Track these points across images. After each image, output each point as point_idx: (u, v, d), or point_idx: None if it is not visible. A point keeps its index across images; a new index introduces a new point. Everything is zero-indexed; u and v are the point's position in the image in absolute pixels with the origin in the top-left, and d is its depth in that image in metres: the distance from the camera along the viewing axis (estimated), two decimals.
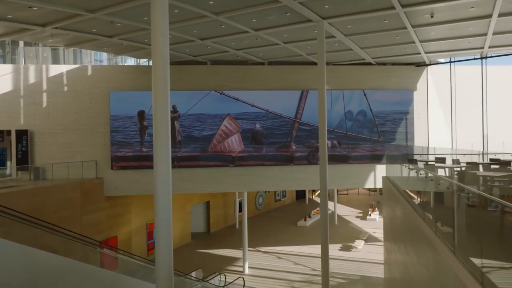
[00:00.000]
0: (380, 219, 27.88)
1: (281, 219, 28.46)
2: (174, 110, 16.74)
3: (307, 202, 35.84)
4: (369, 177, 17.42)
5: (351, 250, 20.25)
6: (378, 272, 16.87)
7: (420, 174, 7.36)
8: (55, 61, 17.46)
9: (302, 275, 16.70)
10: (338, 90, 16.90)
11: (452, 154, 11.13)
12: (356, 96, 17.25)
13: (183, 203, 22.12)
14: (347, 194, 40.61)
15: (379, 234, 23.52)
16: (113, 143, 16.23)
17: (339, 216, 28.29)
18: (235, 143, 16.95)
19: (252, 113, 16.98)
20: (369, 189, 42.97)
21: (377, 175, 17.40)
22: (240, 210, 26.29)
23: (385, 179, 11.86)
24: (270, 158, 17.02)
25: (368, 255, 19.39)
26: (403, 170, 9.56)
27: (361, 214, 30.01)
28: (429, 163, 10.75)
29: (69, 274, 8.97)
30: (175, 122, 16.83)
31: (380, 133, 17.29)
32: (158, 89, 6.18)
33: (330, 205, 36.44)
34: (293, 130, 17.12)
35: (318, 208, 30.08)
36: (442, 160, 10.08)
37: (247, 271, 17.31)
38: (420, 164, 9.68)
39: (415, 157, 11.57)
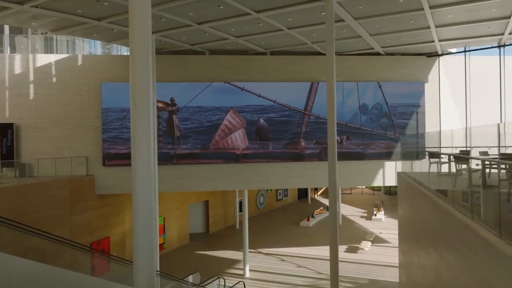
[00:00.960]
0: (386, 219, 26.87)
1: (283, 219, 27.44)
2: (172, 103, 15.72)
3: (309, 201, 34.83)
4: (378, 174, 16.39)
5: (357, 252, 19.23)
6: (388, 275, 15.84)
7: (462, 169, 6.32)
8: (48, 53, 16.45)
9: (307, 279, 15.68)
10: (345, 81, 15.85)
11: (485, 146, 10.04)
12: (370, 88, 16.20)
13: (180, 203, 21.09)
14: (350, 194, 39.60)
15: (386, 235, 22.51)
16: (105, 139, 15.20)
17: (343, 216, 27.26)
18: (239, 139, 15.92)
19: (257, 105, 15.92)
20: (373, 189, 41.96)
21: (387, 172, 16.38)
22: (241, 210, 25.28)
23: (402, 176, 10.78)
24: (277, 156, 15.95)
25: (376, 257, 18.35)
26: (432, 164, 8.47)
27: (365, 214, 28.98)
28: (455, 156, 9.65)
29: (49, 283, 7.97)
30: (173, 116, 15.81)
31: (389, 127, 16.26)
32: (136, 78, 5.01)
33: None
34: (303, 125, 16.06)
35: (321, 208, 29.07)
36: (467, 153, 9.04)
37: (247, 274, 16.28)
38: (442, 157, 8.64)
39: (439, 149, 10.41)
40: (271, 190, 16.76)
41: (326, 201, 34.73)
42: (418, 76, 16.44)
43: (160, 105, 15.61)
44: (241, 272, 16.56)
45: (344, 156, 15.89)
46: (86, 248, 11.49)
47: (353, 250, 19.57)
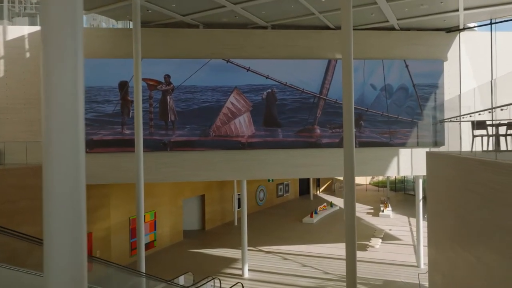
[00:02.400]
0: (395, 215, 25.23)
1: (285, 216, 25.77)
2: (166, 82, 14.01)
3: (311, 198, 33.16)
4: (391, 163, 14.71)
5: (367, 250, 17.55)
6: (404, 275, 14.18)
7: None
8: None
9: (313, 280, 14.00)
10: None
11: None
12: (395, 67, 14.48)
13: (173, 197, 19.40)
14: None
15: (396, 232, 20.87)
16: (87, 123, 13.47)
17: None
18: (243, 125, 14.17)
19: (264, 84, 14.17)
20: (378, 185, 40.32)
21: (402, 161, 14.70)
22: (239, 206, 23.61)
23: (438, 157, 8.78)
24: (289, 145, 14.16)
25: (388, 255, 16.68)
26: None
27: (372, 211, 27.32)
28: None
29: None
30: (168, 97, 14.09)
31: (406, 109, 14.57)
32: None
33: (336, 200, 33.76)
34: (318, 110, 14.31)
35: (324, 204, 27.43)
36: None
37: (246, 274, 14.59)
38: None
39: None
40: (272, 180, 15.00)
41: (329, 198, 33.08)
42: (436, 54, 14.76)
43: (151, 83, 13.91)
44: (239, 272, 14.88)
45: (365, 145, 14.27)
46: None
47: (362, 248, 17.88)
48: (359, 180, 40.29)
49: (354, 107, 13.82)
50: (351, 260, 8.33)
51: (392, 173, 14.80)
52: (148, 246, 17.46)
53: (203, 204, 22.22)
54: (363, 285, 13.47)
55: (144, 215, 17.52)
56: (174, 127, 14.08)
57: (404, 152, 14.71)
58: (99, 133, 13.64)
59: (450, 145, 14.73)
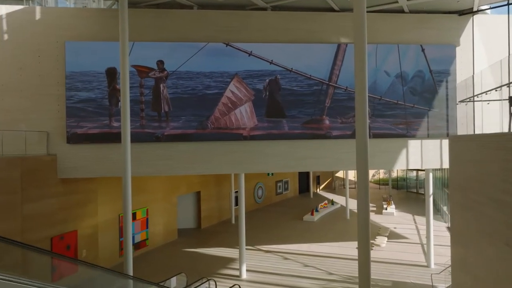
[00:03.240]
0: (398, 213, 24.27)
1: (284, 214, 24.74)
2: (159, 68, 12.95)
3: (311, 195, 32.18)
4: (400, 155, 13.69)
5: (372, 249, 16.53)
6: (414, 276, 13.17)
7: None
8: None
9: (316, 281, 12.97)
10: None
11: None
12: (411, 52, 13.46)
13: (167, 193, 18.32)
14: (355, 188, 36.87)
15: (401, 230, 19.89)
16: (70, 114, 12.39)
17: (350, 211, 24.57)
18: (245, 116, 13.11)
19: (267, 70, 13.12)
20: (379, 183, 39.37)
21: (411, 153, 13.69)
22: (237, 204, 22.55)
23: (465, 141, 7.53)
24: (296, 137, 13.15)
25: (395, 254, 15.67)
26: None
27: (375, 208, 26.33)
28: None
29: None
30: (161, 85, 13.01)
31: (423, 98, 13.54)
32: None
33: (336, 198, 32.74)
34: (327, 98, 13.28)
35: (325, 202, 26.46)
36: None
37: (244, 275, 13.54)
38: None
39: None
40: (272, 174, 13.94)
41: (329, 196, 32.07)
42: (448, 38, 13.76)
43: (142, 70, 12.85)
44: (236, 273, 13.83)
45: (379, 137, 13.32)
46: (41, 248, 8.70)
47: None
48: None
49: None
50: (364, 260, 7.28)
51: (400, 166, 13.79)
52: (139, 245, 16.40)
53: (199, 201, 21.16)
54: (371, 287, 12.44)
55: (136, 212, 16.52)
56: (168, 119, 13.00)
57: (413, 144, 13.70)
58: (83, 125, 12.54)
59: (467, 131, 13.75)
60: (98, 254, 14.14)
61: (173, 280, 11.50)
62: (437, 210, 24.29)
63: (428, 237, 14.38)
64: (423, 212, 24.80)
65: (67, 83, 12.35)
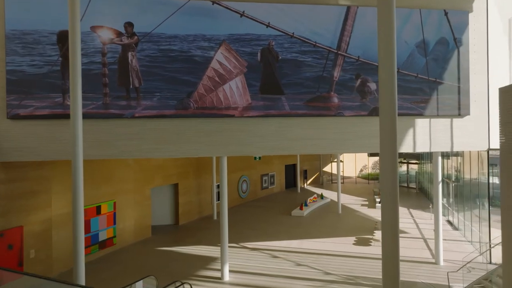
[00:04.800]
0: None
1: (271, 209, 22.81)
2: (127, 32, 10.70)
3: (299, 190, 30.38)
4: (406, 136, 11.92)
5: (370, 245, 14.78)
6: (422, 274, 11.42)
7: None
8: None
9: (311, 282, 11.05)
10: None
11: None
12: (433, 17, 11.65)
13: (139, 184, 16.09)
14: (343, 183, 35.35)
15: (399, 224, 18.13)
16: (10, 88, 10.03)
17: (342, 205, 22.86)
18: (236, 93, 10.99)
19: (262, 35, 11.05)
20: (368, 178, 38.00)
21: (418, 134, 11.94)
22: (219, 198, 20.50)
23: None
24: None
25: None
26: None
27: (366, 203, 24.72)
28: None
29: None
30: (130, 53, 10.77)
31: (446, 70, 11.77)
32: None
33: (325, 193, 31.07)
34: (335, 70, 11.33)
35: (315, 195, 24.70)
36: None
37: (227, 277, 11.50)
38: None
39: None
40: (260, 158, 11.91)
41: (317, 191, 30.36)
42: (460, 4, 12.08)
43: (108, 34, 10.61)
44: (218, 274, 11.78)
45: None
46: None
47: (364, 242, 15.11)
48: (348, 172, 37.84)
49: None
50: (391, 259, 5.41)
51: (406, 149, 12.00)
52: (105, 243, 14.12)
53: (176, 194, 18.97)
54: (374, 287, 10.63)
55: (100, 206, 14.22)
56: (139, 96, 10.76)
57: (421, 123, 11.96)
58: (28, 104, 10.17)
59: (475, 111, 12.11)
60: (52, 255, 11.83)
61: (139, 285, 9.37)
62: (431, 204, 22.84)
63: (436, 232, 12.68)
64: (418, 205, 23.38)
65: (8, 44, 10.02)
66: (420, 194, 28.42)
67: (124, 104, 10.69)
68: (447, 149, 12.16)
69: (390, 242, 5.48)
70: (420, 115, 11.82)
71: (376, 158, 38.07)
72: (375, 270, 11.85)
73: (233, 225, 18.15)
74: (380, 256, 12.56)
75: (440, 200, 12.78)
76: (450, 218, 18.75)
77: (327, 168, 37.85)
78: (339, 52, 11.13)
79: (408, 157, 32.12)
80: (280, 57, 11.06)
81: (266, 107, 11.03)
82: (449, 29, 11.60)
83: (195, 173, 20.05)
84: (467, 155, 15.39)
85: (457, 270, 10.17)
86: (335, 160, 37.16)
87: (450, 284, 10.05)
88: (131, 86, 10.79)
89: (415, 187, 31.32)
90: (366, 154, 37.50)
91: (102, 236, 13.99)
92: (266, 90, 11.04)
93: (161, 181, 17.59)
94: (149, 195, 16.71)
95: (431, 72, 11.66)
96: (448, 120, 12.08)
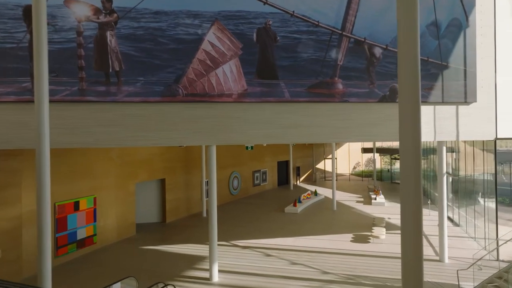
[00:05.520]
0: (389, 203, 21.96)
1: (263, 206, 21.88)
2: (105, 9, 9.60)
3: (291, 188, 29.51)
4: None
5: (369, 242, 13.94)
6: (426, 272, 10.60)
7: None
8: None
9: (308, 282, 10.14)
10: None
11: None
12: None
13: (122, 179, 15.01)
14: (337, 180, 34.54)
15: (396, 220, 17.45)
16: None
17: (337, 202, 22.05)
18: (230, 78, 9.96)
19: (259, 14, 10.03)
20: (362, 175, 37.36)
21: (422, 121, 11.09)
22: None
23: None
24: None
25: (397, 247, 13.08)
26: None
27: (362, 199, 23.96)
28: None
29: None
30: (108, 32, 9.68)
31: (449, 53, 10.93)
32: None
33: (319, 190, 30.31)
34: (340, 53, 10.32)
35: (309, 192, 23.87)
36: None
37: (216, 278, 10.52)
38: None
39: None
40: (252, 147, 10.95)
41: (310, 188, 29.54)
42: None
43: (83, 10, 9.53)
44: (206, 274, 10.80)
45: None
46: None
47: (362, 239, 14.28)
48: (341, 170, 37.13)
49: (389, 51, 10.11)
50: (414, 258, 4.52)
51: None
52: (84, 242, 13.02)
53: (163, 190, 17.91)
54: None
55: (79, 201, 13.11)
56: (120, 82, 9.71)
57: (425, 111, 11.12)
58: None
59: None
60: (22, 255, 10.71)
61: (117, 287, 8.35)
62: (429, 200, 22.18)
63: (441, 228, 11.90)
64: None
65: None
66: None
67: (102, 90, 9.63)
68: (452, 138, 11.36)
69: (413, 244, 4.57)
70: (424, 101, 11.00)
71: (370, 155, 37.43)
72: (376, 269, 11.00)
73: (223, 222, 17.16)
74: (381, 254, 11.73)
75: (445, 195, 12.00)
76: (450, 214, 18.04)
77: (320, 165, 37.08)
78: (343, 33, 10.21)
79: None
80: (278, 38, 10.11)
81: (263, 93, 10.06)
82: (462, 8, 10.77)
83: (184, 168, 19.01)
84: (463, 149, 14.67)
85: (468, 268, 9.36)
86: (329, 157, 36.43)
87: (461, 284, 9.23)
88: (110, 70, 9.74)
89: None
90: (359, 151, 36.83)
91: (81, 234, 12.89)
92: (263, 74, 10.07)
93: (146, 176, 16.52)
94: (133, 191, 15.63)
95: (443, 55, 10.82)
96: (454, 107, 11.28)
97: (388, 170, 35.33)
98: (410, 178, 4.49)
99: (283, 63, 10.12)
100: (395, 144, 34.48)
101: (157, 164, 17.12)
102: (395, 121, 10.90)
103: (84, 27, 9.59)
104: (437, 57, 10.84)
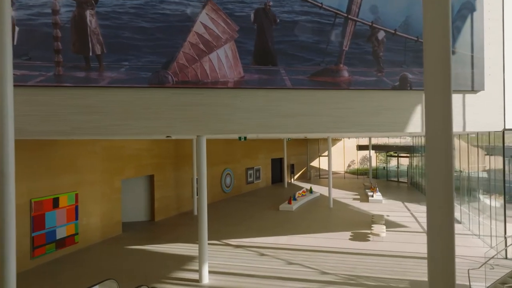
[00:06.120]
0: (387, 201, 21.33)
1: (257, 204, 21.09)
2: None
3: (285, 185, 28.76)
4: (412, 114, 10.36)
5: (368, 240, 13.23)
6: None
7: None
8: None
9: (306, 283, 9.36)
10: None
11: None
12: None
13: (107, 174, 14.10)
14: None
15: (396, 217, 16.81)
16: None
17: (334, 200, 21.35)
18: (225, 64, 9.16)
19: None
20: (357, 173, 36.78)
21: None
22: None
23: None
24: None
25: (399, 246, 12.42)
26: None
27: (358, 196, 23.29)
28: None
29: None
30: (87, 11, 8.79)
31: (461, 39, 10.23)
32: None
33: (315, 188, 29.66)
34: (345, 38, 9.54)
35: (304, 189, 23.14)
36: None
37: (206, 279, 9.70)
38: None
39: None
40: (245, 138, 10.18)
41: (305, 185, 28.84)
42: None
43: None
44: (195, 276, 9.97)
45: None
46: None
47: (361, 237, 13.56)
48: (336, 167, 36.49)
49: (397, 35, 9.26)
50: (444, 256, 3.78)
51: (413, 128, 10.44)
52: (64, 242, 12.10)
53: (152, 187, 17.03)
54: None
55: (58, 198, 12.19)
56: (102, 66, 8.85)
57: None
58: None
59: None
60: None
61: None
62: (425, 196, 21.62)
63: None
64: (412, 199, 22.07)
65: None
66: (412, 188, 27.21)
67: (82, 76, 8.77)
68: (458, 129, 10.66)
69: (445, 248, 3.84)
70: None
71: (364, 153, 36.86)
72: (378, 268, 10.27)
73: (215, 220, 16.36)
74: (383, 253, 10.99)
75: (453, 190, 11.27)
76: None
77: (314, 163, 36.41)
78: (349, 16, 9.45)
79: (399, 150, 30.93)
80: (278, 21, 9.31)
81: (262, 81, 9.26)
82: None
83: (174, 164, 18.14)
84: (466, 143, 14.04)
85: (479, 267, 8.66)
86: (323, 154, 35.79)
87: (472, 284, 8.53)
88: (90, 54, 8.87)
89: (405, 181, 30.15)
90: (354, 148, 36.23)
91: (61, 233, 11.97)
92: (261, 60, 9.27)
93: (134, 172, 15.62)
94: (119, 188, 14.73)
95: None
96: (460, 96, 10.60)
97: (384, 167, 34.77)
98: (439, 176, 3.82)
99: (283, 48, 9.33)
100: (391, 140, 33.96)
101: (146, 159, 16.23)
102: (395, 110, 10.22)
103: (60, 4, 8.72)
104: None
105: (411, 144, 29.24)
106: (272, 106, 9.49)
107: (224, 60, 9.21)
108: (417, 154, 26.84)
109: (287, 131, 9.72)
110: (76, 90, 8.63)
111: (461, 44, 10.40)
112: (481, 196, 13.51)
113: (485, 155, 13.13)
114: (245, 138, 10.43)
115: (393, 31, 9.65)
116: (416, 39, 9.77)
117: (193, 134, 9.43)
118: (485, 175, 13.28)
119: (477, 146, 13.68)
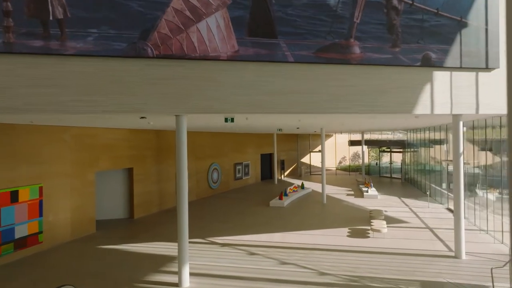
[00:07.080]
0: (383, 196, 20.28)
1: (246, 200, 19.79)
2: None
3: (276, 182, 27.52)
4: (421, 94, 9.20)
5: (368, 236, 12.06)
6: (444, 271, 8.73)
7: None
8: None
9: (304, 286, 8.09)
10: None
11: None
12: None
13: (79, 166, 12.62)
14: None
15: (394, 213, 15.72)
16: None
17: (327, 196, 20.19)
18: (216, 36, 7.79)
19: None
20: (349, 169, 35.80)
21: (437, 91, 9.26)
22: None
23: None
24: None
25: (402, 243, 11.26)
26: None
27: (352, 192, 22.20)
28: None
29: None
30: None
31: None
32: None
33: (306, 184, 28.51)
34: (357, 10, 8.26)
35: (295, 185, 21.94)
36: None
37: (186, 283, 8.34)
38: None
39: None
40: (233, 120, 8.84)
41: (296, 182, 27.65)
42: None
43: None
44: (174, 279, 8.61)
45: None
46: None
47: (360, 234, 12.38)
48: (327, 164, 35.40)
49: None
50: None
51: (422, 110, 9.27)
52: (26, 241, 10.59)
53: (130, 181, 15.57)
54: None
55: (17, 191, 10.66)
56: (64, 34, 7.37)
57: (440, 78, 9.28)
58: None
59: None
60: None
61: None
62: (422, 192, 20.62)
63: (457, 221, 10.06)
64: (408, 194, 21.06)
65: None
66: (406, 184, 26.25)
67: (38, 45, 7.28)
68: (471, 111, 9.55)
69: None
70: (439, 66, 9.16)
71: (356, 149, 35.90)
72: (383, 268, 9.08)
73: (200, 217, 15.01)
74: (386, 250, 9.73)
75: (462, 184, 10.14)
76: (451, 206, 16.43)
77: (305, 159, 35.27)
78: None
79: (392, 145, 29.98)
80: None
81: (259, 57, 7.97)
82: None
83: (155, 157, 16.70)
84: (472, 133, 13.01)
85: (503, 266, 7.52)
86: (315, 150, 34.70)
87: (496, 284, 7.36)
88: (50, 18, 7.41)
89: (399, 177, 29.22)
90: (346, 144, 35.21)
91: (21, 231, 10.46)
92: (258, 32, 7.97)
93: (109, 164, 14.14)
94: (93, 181, 13.24)
95: (463, 10, 9.01)
96: (473, 74, 9.49)
97: (376, 163, 33.85)
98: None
99: (284, 18, 8.05)
100: (384, 136, 33.05)
101: (123, 151, 14.76)
102: (404, 88, 9.05)
103: None
104: (456, 11, 9.02)
105: (405, 138, 28.33)
106: (260, 83, 8.19)
107: (214, 30, 7.86)
108: (411, 150, 25.92)
109: (278, 110, 8.40)
110: (29, 57, 7.18)
111: (474, 14, 9.30)
112: (488, 190, 12.48)
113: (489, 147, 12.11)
114: (232, 119, 9.09)
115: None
116: (436, 11, 8.62)
117: (171, 113, 8.07)
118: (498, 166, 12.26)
119: (485, 136, 12.65)
